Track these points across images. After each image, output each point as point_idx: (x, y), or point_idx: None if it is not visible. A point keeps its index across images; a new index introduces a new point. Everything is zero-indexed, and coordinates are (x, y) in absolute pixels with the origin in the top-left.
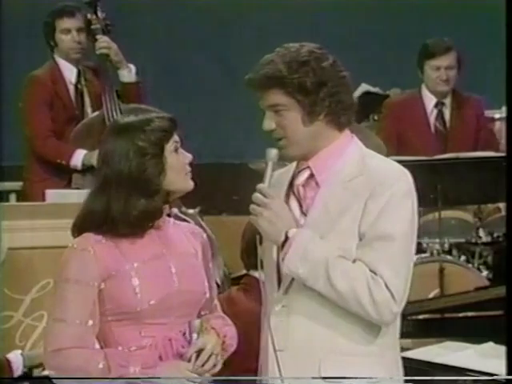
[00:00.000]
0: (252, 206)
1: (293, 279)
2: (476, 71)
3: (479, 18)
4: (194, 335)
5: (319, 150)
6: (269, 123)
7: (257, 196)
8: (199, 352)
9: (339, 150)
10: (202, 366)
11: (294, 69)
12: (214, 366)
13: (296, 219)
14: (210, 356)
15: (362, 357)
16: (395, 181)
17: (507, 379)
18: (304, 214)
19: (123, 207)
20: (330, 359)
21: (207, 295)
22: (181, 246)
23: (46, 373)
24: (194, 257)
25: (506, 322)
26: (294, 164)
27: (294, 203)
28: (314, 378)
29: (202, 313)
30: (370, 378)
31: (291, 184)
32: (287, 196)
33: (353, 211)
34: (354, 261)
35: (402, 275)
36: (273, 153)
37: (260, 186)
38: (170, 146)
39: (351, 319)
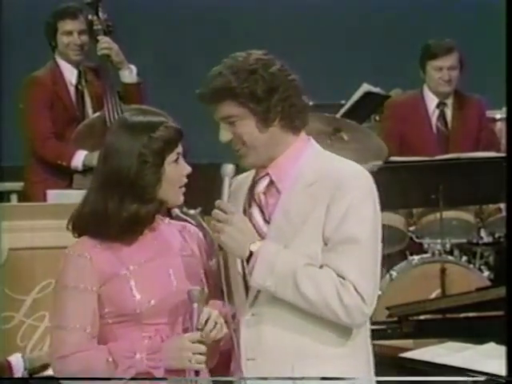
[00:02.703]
0: (212, 223)
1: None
2: (477, 71)
3: (480, 18)
4: (195, 304)
5: (277, 155)
6: (225, 134)
7: (216, 212)
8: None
9: (296, 155)
10: (210, 332)
11: (243, 78)
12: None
13: (259, 227)
14: (216, 325)
15: (334, 359)
16: (355, 183)
17: (507, 379)
18: (267, 221)
19: (116, 208)
20: (302, 364)
21: (205, 290)
22: (177, 245)
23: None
24: (191, 256)
25: (507, 323)
26: (253, 171)
27: (256, 211)
28: (311, 378)
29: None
30: (352, 378)
31: (252, 192)
32: (249, 204)
33: (315, 216)
34: (321, 266)
35: (369, 276)
36: (229, 168)
37: (219, 202)
38: (171, 157)
39: (322, 323)
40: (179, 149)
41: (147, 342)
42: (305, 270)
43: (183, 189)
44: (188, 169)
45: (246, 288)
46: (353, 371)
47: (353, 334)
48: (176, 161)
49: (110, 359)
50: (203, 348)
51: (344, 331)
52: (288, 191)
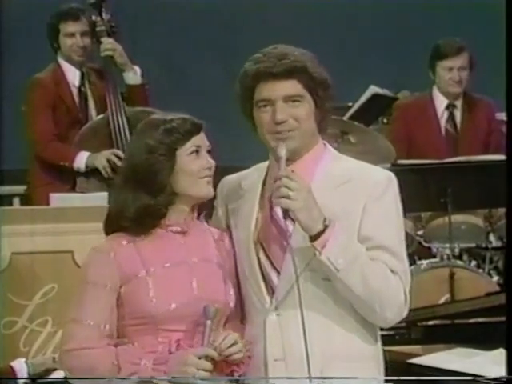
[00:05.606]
0: (282, 189)
1: (291, 287)
2: (487, 72)
3: (488, 19)
4: (208, 322)
5: (305, 152)
6: (282, 114)
7: (288, 179)
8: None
9: (318, 156)
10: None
11: (315, 63)
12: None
13: (283, 224)
14: (235, 343)
15: (362, 362)
16: (387, 185)
17: (508, 379)
18: (292, 220)
19: (130, 200)
20: (331, 366)
21: (231, 304)
22: (207, 253)
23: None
24: (220, 265)
25: (507, 323)
26: (264, 165)
27: (279, 209)
28: (309, 378)
29: (227, 325)
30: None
31: (268, 189)
32: (270, 202)
33: (350, 214)
34: None
35: (409, 280)
36: (284, 151)
37: (287, 171)
38: (186, 149)
39: (349, 324)
40: (197, 141)
41: (155, 353)
42: (368, 257)
43: (207, 180)
44: (210, 162)
45: (267, 287)
46: (377, 373)
47: (377, 336)
48: (193, 153)
49: (116, 362)
50: (208, 365)
51: (370, 333)
52: (315, 190)
